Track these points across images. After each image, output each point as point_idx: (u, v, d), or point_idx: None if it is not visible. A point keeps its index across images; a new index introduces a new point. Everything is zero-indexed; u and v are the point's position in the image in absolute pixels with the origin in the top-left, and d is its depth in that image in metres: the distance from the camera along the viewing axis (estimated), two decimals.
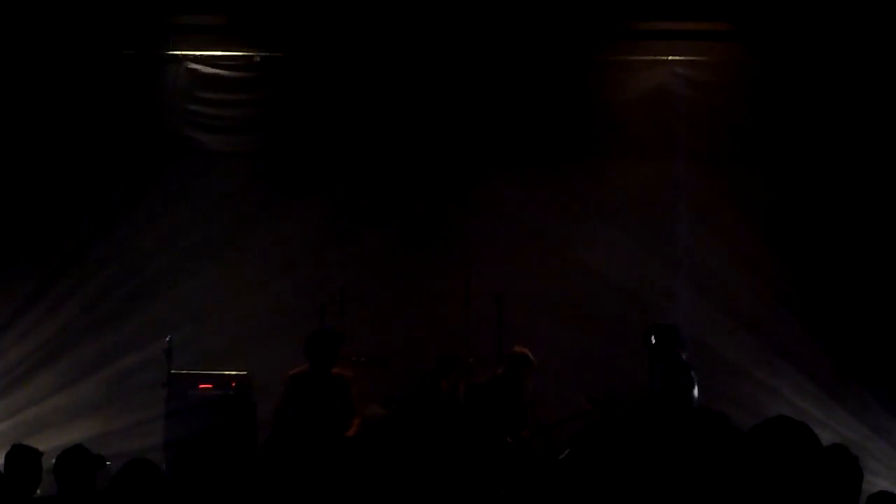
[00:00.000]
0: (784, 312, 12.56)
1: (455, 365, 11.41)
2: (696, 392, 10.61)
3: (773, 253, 12.82)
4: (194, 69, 13.07)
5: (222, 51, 13.11)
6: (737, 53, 13.05)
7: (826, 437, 5.74)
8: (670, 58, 13.00)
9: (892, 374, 12.48)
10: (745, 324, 12.64)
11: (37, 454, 8.10)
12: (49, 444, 10.25)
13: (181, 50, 13.07)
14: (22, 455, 8.06)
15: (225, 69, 13.08)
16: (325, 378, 10.70)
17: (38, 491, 8.13)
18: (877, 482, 10.88)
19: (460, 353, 11.73)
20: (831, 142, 12.76)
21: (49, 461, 7.64)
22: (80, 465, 7.31)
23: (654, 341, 10.85)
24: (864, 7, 12.36)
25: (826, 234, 12.78)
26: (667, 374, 10.64)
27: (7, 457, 8.08)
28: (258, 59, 13.08)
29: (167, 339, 11.07)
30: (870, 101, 12.66)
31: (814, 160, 12.80)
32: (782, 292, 12.74)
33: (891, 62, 12.58)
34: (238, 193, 13.02)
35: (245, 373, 11.72)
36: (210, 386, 11.54)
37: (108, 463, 9.02)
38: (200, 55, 13.09)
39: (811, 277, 12.77)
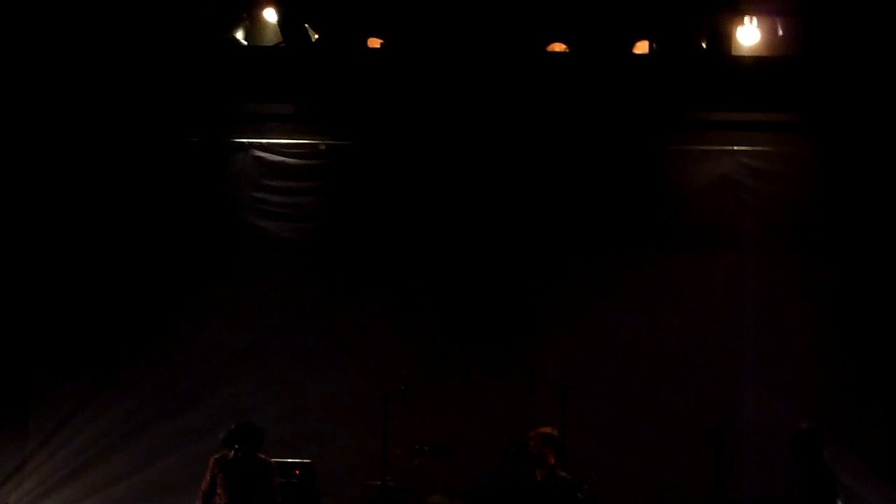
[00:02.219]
0: (851, 405, 12.37)
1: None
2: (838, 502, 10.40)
3: (840, 345, 12.70)
4: (260, 157, 13.19)
5: (288, 138, 13.22)
6: (802, 144, 13.05)
7: None
8: (736, 148, 13.03)
9: None
10: (810, 415, 12.42)
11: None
12: None
13: (247, 137, 13.19)
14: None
15: (290, 157, 13.21)
16: (250, 463, 10.50)
17: None
18: None
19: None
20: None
21: None
22: None
23: (795, 448, 10.64)
24: None
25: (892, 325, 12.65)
26: (807, 482, 10.42)
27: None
28: (323, 147, 13.21)
29: (232, 426, 11.04)
30: None
31: (881, 250, 12.69)
32: (848, 385, 12.60)
33: None
34: (304, 282, 13.09)
35: (309, 461, 11.64)
36: None
37: None
38: (266, 143, 13.20)
39: (879, 371, 12.59)
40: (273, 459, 10.68)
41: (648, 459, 12.60)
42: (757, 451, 12.51)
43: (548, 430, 11.01)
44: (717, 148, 13.07)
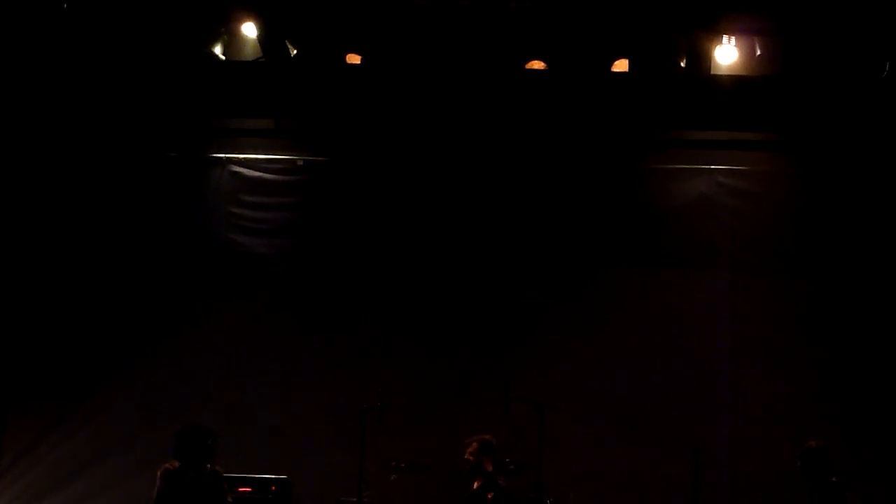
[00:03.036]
0: (832, 424, 12.32)
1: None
2: None
3: (816, 365, 12.70)
4: (238, 172, 13.15)
5: (266, 154, 13.19)
6: (780, 163, 13.09)
7: None
8: (714, 167, 13.05)
9: None
10: (787, 436, 12.39)
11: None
12: None
13: (225, 152, 13.15)
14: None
15: (268, 172, 13.17)
16: (201, 475, 10.24)
17: None
18: None
19: (501, 458, 11.62)
20: (875, 252, 12.71)
21: None
22: None
23: (801, 465, 10.58)
24: None
25: (871, 348, 12.65)
26: (818, 500, 10.36)
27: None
28: (301, 163, 13.19)
29: (207, 442, 10.96)
30: None
31: (860, 269, 12.72)
32: (825, 405, 12.58)
33: None
34: (281, 298, 13.05)
35: (284, 477, 11.59)
36: (249, 489, 11.42)
37: None
38: (244, 158, 13.17)
39: (857, 392, 12.60)
40: (249, 475, 10.59)
41: (626, 478, 12.57)
42: (735, 472, 12.53)
43: (486, 437, 11.08)
44: (696, 167, 13.07)
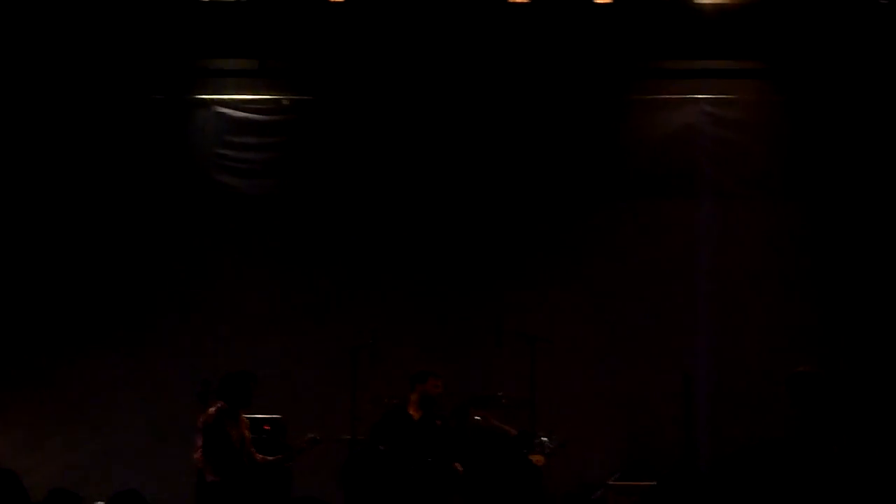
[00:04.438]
0: (816, 347, 12.37)
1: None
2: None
3: (800, 291, 12.74)
4: (223, 112, 13.10)
5: (251, 94, 13.14)
6: (765, 91, 13.04)
7: None
8: (700, 96, 13.01)
9: None
10: (769, 364, 12.42)
11: (76, 499, 8.00)
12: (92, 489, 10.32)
13: (210, 94, 13.10)
14: (62, 500, 7.96)
15: (254, 112, 13.11)
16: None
17: None
18: None
19: (494, 392, 11.72)
20: (859, 177, 12.72)
21: None
22: None
23: (789, 392, 10.55)
24: (890, 42, 12.31)
25: (858, 270, 12.71)
26: (809, 425, 10.30)
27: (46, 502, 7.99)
28: (287, 103, 13.12)
29: (202, 382, 11.00)
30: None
31: (842, 196, 12.75)
32: (808, 330, 12.65)
33: None
34: (268, 238, 13.07)
35: (279, 417, 11.65)
36: None
37: None
38: (229, 98, 13.11)
39: (844, 313, 12.67)
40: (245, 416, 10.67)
41: (618, 409, 12.71)
42: (727, 397, 12.63)
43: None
44: (681, 97, 13.03)
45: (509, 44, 12.39)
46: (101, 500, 7.55)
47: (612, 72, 12.88)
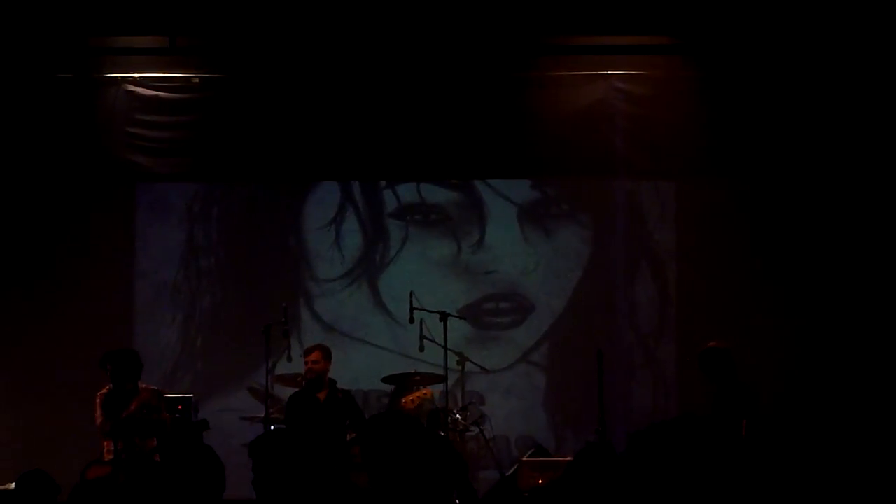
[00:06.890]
0: (729, 326, 12.42)
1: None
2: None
3: (719, 268, 12.81)
4: (133, 91, 12.96)
5: (161, 72, 13.00)
6: (677, 67, 13.00)
7: None
8: (609, 72, 12.99)
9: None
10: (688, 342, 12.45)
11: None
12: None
13: (119, 72, 12.94)
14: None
15: (164, 91, 12.98)
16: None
17: None
18: None
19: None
20: (777, 152, 12.77)
21: None
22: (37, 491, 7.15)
23: (700, 367, 10.60)
24: (803, 15, 12.34)
25: (777, 248, 12.80)
26: (725, 398, 10.32)
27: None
28: (197, 81, 12.99)
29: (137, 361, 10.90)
30: (809, 109, 12.69)
31: (761, 171, 12.79)
32: (727, 306, 12.73)
33: (829, 68, 12.62)
34: (176, 217, 13.02)
35: (190, 396, 11.60)
36: None
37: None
38: (139, 77, 12.97)
39: (758, 294, 12.77)
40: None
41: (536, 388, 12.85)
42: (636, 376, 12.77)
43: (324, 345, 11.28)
44: (590, 73, 12.97)
45: (412, 18, 12.31)
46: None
47: (517, 47, 12.75)
